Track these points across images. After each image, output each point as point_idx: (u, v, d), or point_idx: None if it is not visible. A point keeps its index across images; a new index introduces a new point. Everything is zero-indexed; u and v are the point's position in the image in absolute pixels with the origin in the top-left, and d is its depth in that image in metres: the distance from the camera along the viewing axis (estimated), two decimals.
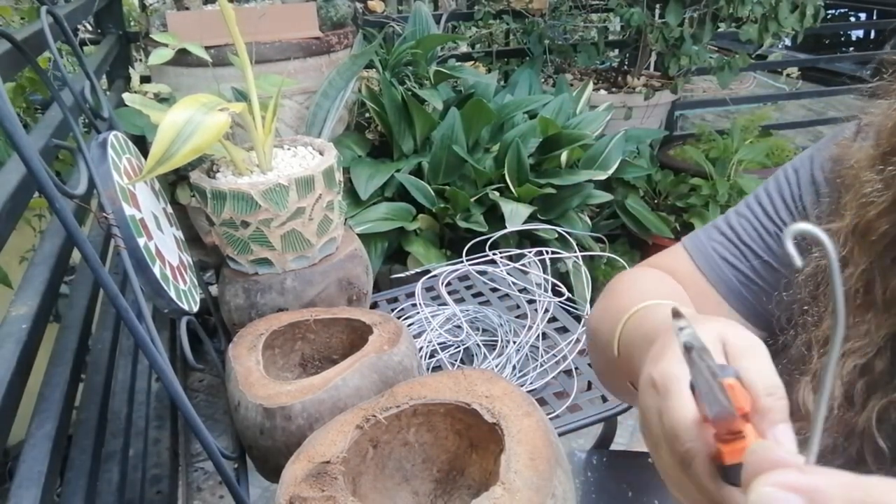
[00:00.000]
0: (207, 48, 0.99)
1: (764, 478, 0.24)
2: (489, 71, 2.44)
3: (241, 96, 1.58)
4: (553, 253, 1.34)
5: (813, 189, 0.56)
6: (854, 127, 0.55)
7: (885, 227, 0.48)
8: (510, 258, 1.27)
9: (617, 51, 2.81)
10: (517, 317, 1.11)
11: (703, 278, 0.61)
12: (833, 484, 0.21)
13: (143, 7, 2.18)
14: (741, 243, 0.60)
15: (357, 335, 0.78)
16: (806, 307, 0.54)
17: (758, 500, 0.23)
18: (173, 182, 1.66)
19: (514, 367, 0.98)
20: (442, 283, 1.16)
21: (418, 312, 1.08)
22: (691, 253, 0.63)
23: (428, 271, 1.24)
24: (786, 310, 0.57)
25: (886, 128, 0.49)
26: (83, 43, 2.01)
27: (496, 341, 1.04)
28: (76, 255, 0.92)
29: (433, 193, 1.85)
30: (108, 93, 1.82)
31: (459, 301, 1.14)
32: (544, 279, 1.17)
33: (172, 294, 0.68)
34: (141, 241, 0.64)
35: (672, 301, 0.51)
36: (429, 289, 1.17)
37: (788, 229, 0.27)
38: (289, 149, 0.92)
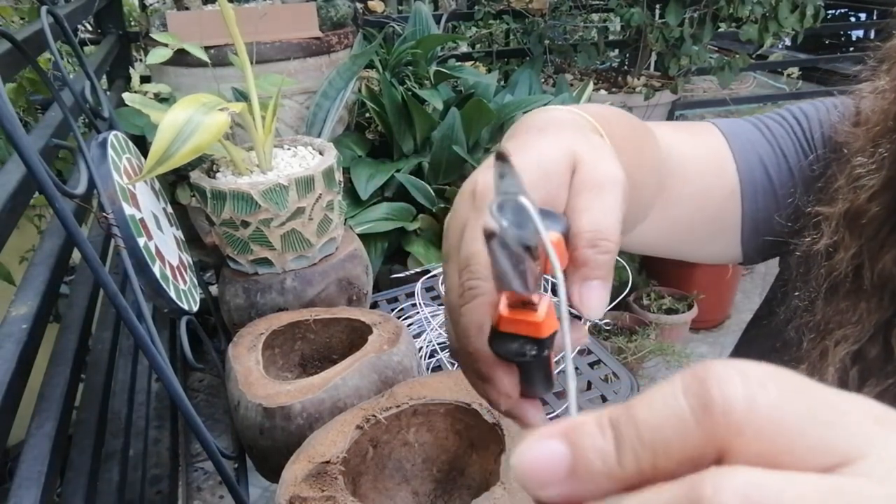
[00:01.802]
0: (207, 48, 0.99)
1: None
2: (489, 71, 2.44)
3: (241, 96, 1.58)
4: None
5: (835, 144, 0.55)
6: (852, 110, 0.54)
7: (876, 209, 0.48)
8: None
9: (617, 51, 2.81)
10: None
11: (733, 164, 0.56)
12: (587, 418, 0.19)
13: (143, 7, 2.18)
14: (779, 149, 0.56)
15: (357, 335, 0.78)
16: (797, 292, 0.54)
17: (516, 458, 0.19)
18: (173, 182, 1.66)
19: None
20: (442, 283, 1.16)
21: (418, 312, 1.08)
22: (727, 135, 0.57)
23: (428, 271, 1.23)
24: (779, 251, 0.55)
25: (876, 110, 0.49)
26: (83, 43, 2.01)
27: None
28: (76, 255, 0.92)
29: (433, 193, 1.85)
30: (108, 93, 1.82)
31: None
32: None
33: (172, 294, 0.68)
34: (141, 241, 0.64)
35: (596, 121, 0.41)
36: (429, 289, 1.17)
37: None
38: (289, 149, 0.92)
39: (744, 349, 0.66)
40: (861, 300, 0.48)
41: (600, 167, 0.31)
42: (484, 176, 0.31)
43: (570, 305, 0.29)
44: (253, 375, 0.68)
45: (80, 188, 0.56)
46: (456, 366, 1.01)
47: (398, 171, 1.87)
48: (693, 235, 0.58)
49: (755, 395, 0.16)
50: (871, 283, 0.48)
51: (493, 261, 0.24)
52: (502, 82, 2.44)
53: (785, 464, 0.16)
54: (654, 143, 0.51)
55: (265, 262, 0.84)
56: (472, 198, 0.31)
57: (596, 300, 0.29)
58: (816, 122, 0.56)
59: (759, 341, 0.61)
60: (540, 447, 0.19)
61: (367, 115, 2.03)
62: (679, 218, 0.55)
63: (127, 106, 0.84)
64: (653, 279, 2.37)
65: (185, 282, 0.76)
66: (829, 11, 5.16)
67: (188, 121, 0.66)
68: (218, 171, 0.86)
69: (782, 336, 0.54)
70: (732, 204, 0.56)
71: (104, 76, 1.89)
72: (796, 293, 0.53)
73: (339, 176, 0.87)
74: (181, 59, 1.26)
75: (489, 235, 0.23)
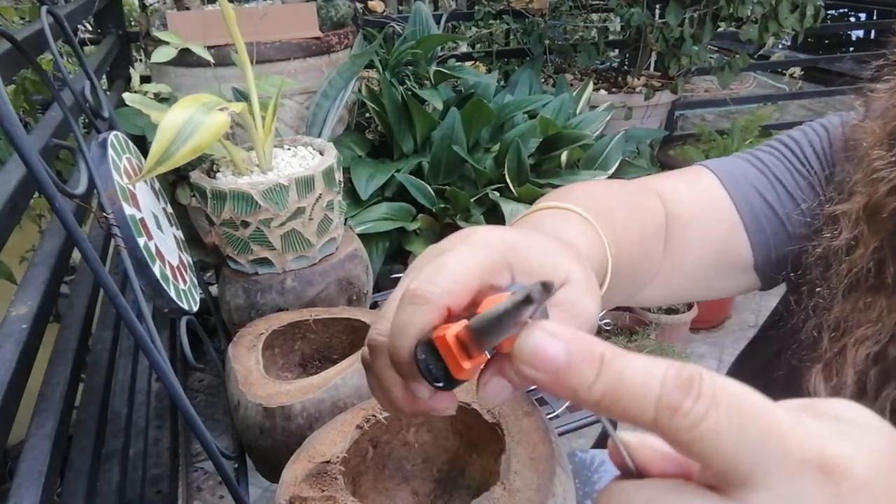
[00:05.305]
0: (208, 48, 0.99)
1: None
2: (489, 71, 2.44)
3: (242, 96, 1.58)
4: None
5: (842, 146, 0.55)
6: (863, 107, 0.54)
7: (895, 204, 0.47)
8: None
9: (617, 51, 2.81)
10: None
11: (729, 199, 0.57)
12: (592, 344, 0.22)
13: (143, 7, 2.18)
14: (773, 176, 0.58)
15: (357, 335, 0.78)
16: (818, 289, 0.53)
17: (526, 335, 0.22)
18: (173, 182, 1.66)
19: None
20: None
21: None
22: (718, 173, 0.59)
23: None
24: (797, 262, 0.56)
25: (894, 105, 0.49)
26: (83, 43, 2.01)
27: None
28: (76, 255, 0.92)
29: (433, 193, 1.85)
30: (108, 93, 1.82)
31: None
32: None
33: (172, 294, 0.68)
34: (141, 241, 0.64)
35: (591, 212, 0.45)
36: None
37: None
38: (289, 149, 0.92)
39: (759, 348, 0.66)
40: (881, 297, 0.48)
41: (584, 301, 0.34)
42: (483, 233, 0.34)
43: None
44: (253, 375, 0.68)
45: (80, 188, 0.56)
46: None
47: (398, 171, 1.87)
48: (706, 275, 0.59)
49: (707, 413, 0.20)
50: (893, 280, 0.47)
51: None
52: (502, 82, 2.44)
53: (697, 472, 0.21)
54: (654, 207, 0.55)
55: (265, 262, 0.84)
56: (466, 238, 0.34)
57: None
58: (807, 143, 0.58)
59: (775, 341, 0.60)
60: (548, 341, 0.22)
61: (367, 115, 2.03)
62: (687, 262, 0.57)
63: (127, 106, 0.84)
64: None
65: (185, 282, 0.76)
66: (829, 11, 5.16)
67: (188, 121, 0.66)
68: (218, 171, 0.86)
69: (799, 336, 0.54)
70: (736, 237, 0.57)
71: (104, 76, 1.89)
72: (817, 290, 0.53)
73: (339, 176, 0.87)
74: (182, 58, 1.26)
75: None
